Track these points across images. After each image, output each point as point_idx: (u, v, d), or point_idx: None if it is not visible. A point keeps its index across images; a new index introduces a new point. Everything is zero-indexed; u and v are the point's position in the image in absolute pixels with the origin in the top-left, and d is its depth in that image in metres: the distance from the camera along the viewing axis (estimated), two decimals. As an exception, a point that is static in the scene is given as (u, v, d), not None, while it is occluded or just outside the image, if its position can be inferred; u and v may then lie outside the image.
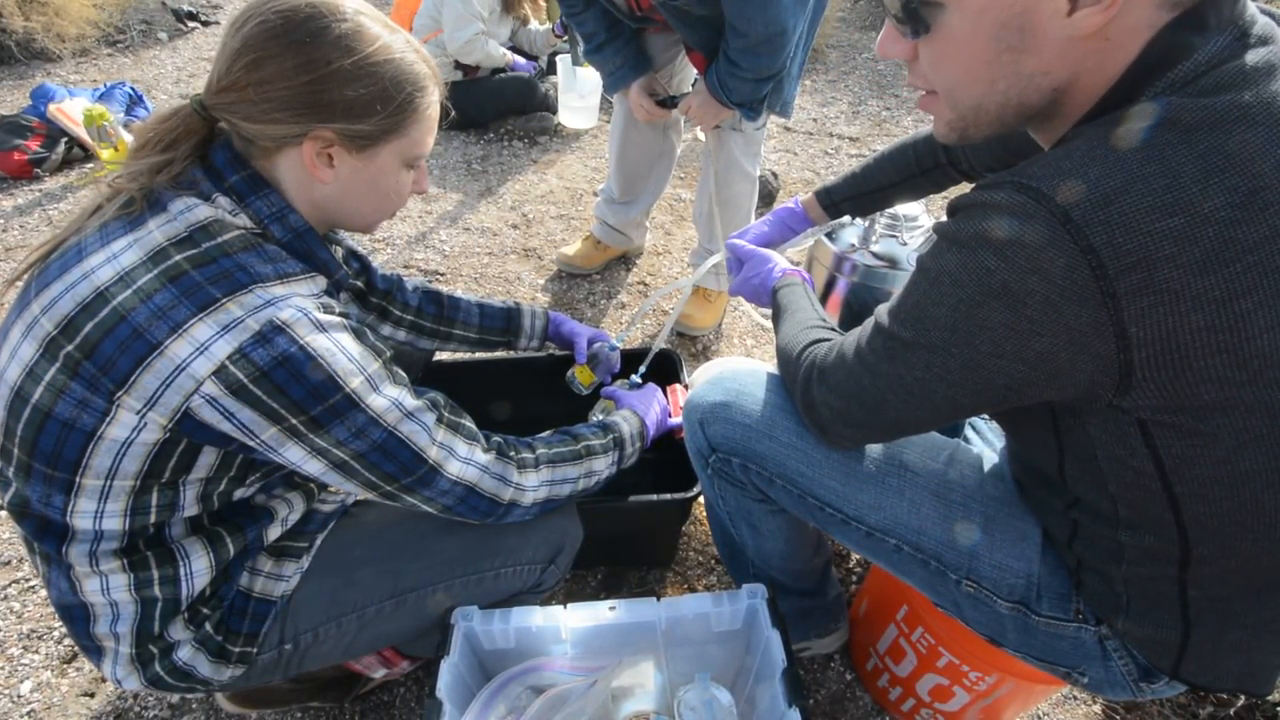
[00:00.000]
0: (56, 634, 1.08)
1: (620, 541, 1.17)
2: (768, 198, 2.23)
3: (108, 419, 0.60)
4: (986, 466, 0.75)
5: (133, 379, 0.59)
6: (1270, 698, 0.93)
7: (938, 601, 0.74)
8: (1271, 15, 0.49)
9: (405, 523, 0.85)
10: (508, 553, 0.85)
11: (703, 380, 0.86)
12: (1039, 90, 0.48)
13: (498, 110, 2.63)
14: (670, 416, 1.02)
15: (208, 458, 0.66)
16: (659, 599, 0.85)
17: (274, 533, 0.78)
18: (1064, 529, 0.65)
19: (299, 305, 0.62)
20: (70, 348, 0.59)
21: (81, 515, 0.64)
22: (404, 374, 0.71)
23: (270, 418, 0.61)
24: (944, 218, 0.52)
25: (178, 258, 0.61)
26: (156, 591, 0.70)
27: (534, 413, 1.22)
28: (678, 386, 1.13)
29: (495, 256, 2.04)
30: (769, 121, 1.57)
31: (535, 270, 1.99)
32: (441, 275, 1.95)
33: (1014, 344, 0.46)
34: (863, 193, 1.04)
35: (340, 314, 0.66)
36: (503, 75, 2.57)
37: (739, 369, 0.84)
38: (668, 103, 1.50)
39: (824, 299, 1.37)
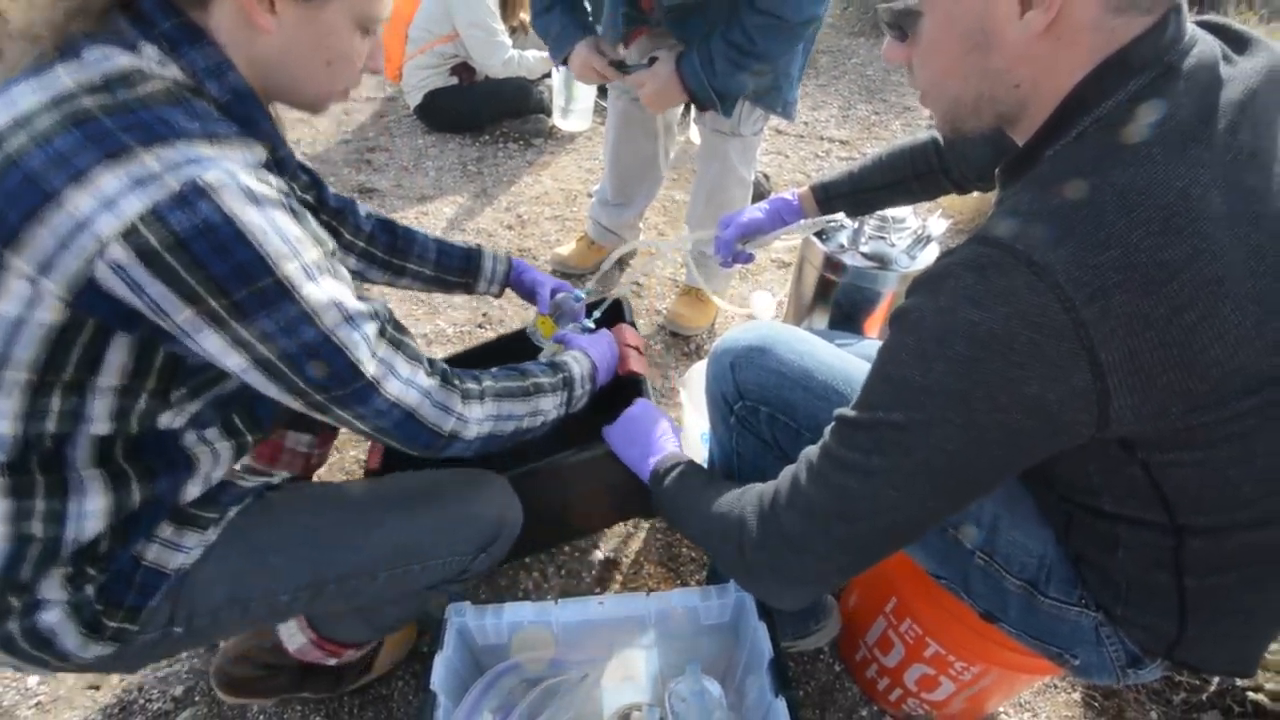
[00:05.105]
0: (60, 631, 1.10)
1: (600, 498, 1.10)
2: (759, 199, 2.25)
3: None
4: None
5: (22, 234, 0.50)
6: (1241, 682, 0.96)
7: (943, 574, 0.75)
8: (1228, 30, 0.52)
9: (331, 511, 0.79)
10: (440, 546, 0.80)
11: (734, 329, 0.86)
12: (1005, 86, 0.52)
13: (493, 113, 2.65)
14: (625, 361, 0.99)
15: (118, 354, 0.57)
16: (649, 594, 0.88)
17: (192, 491, 0.69)
18: (1060, 520, 0.67)
19: (228, 169, 0.54)
20: None
21: None
22: (346, 273, 0.64)
23: (186, 297, 0.53)
24: (906, 297, 0.53)
25: (87, 103, 0.52)
26: (36, 527, 0.60)
27: None
28: (624, 326, 1.09)
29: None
30: (764, 126, 1.57)
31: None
32: (438, 277, 1.97)
33: (1008, 394, 0.47)
34: (858, 190, 1.06)
35: (278, 189, 0.58)
36: (499, 79, 2.58)
37: (770, 323, 0.84)
38: (620, 66, 1.39)
39: (815, 299, 1.39)
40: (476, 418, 0.72)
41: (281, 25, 0.60)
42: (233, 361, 0.58)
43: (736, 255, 1.13)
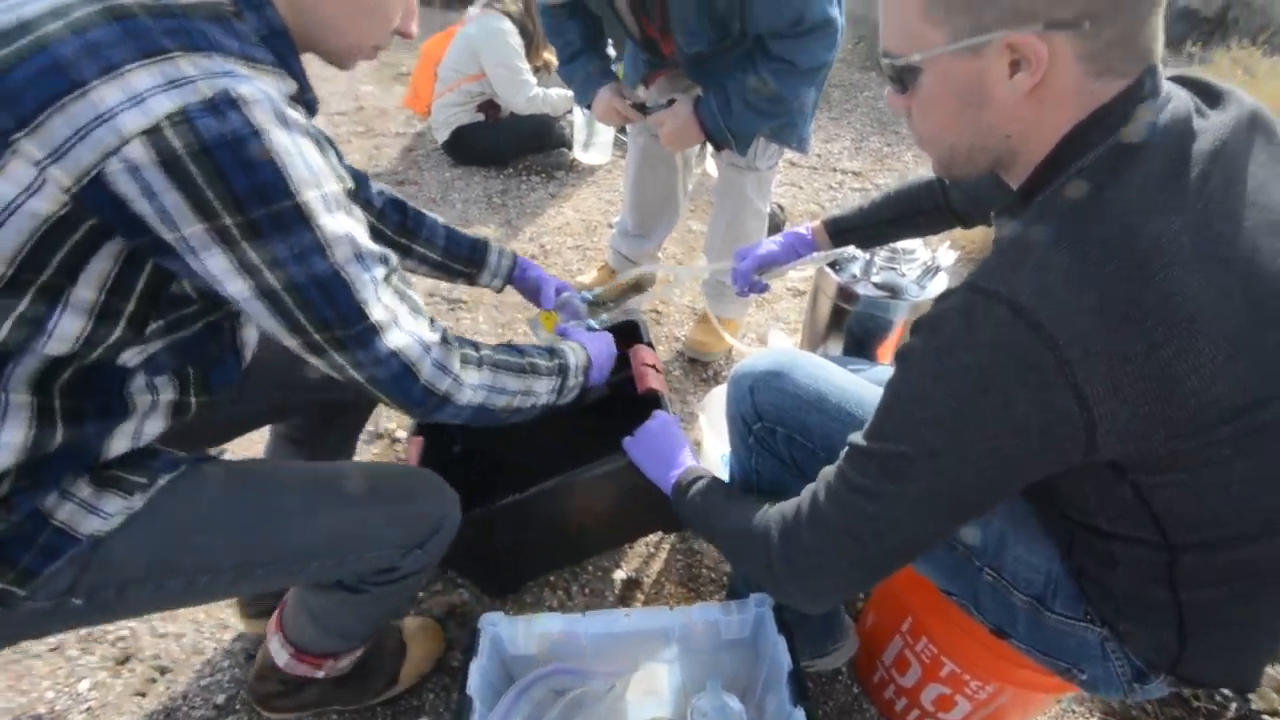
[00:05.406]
0: (111, 636, 1.15)
1: (622, 511, 1.12)
2: (774, 230, 2.32)
3: None
4: None
5: (39, 120, 0.48)
6: (1257, 706, 0.97)
7: (953, 590, 0.78)
8: (1203, 84, 0.57)
9: (269, 491, 0.75)
10: (374, 538, 0.78)
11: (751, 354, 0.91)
12: (996, 138, 0.57)
13: (517, 147, 2.76)
14: (643, 379, 1.00)
15: (103, 262, 0.54)
16: (672, 608, 0.91)
17: (116, 445, 0.64)
18: (1063, 538, 0.70)
19: (262, 88, 0.53)
20: None
21: None
22: (361, 214, 0.63)
23: (199, 209, 0.52)
24: (909, 336, 0.58)
25: (130, 1, 0.51)
26: None
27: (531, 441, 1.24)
28: (641, 346, 1.10)
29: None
30: (779, 160, 1.64)
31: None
32: (464, 302, 2.05)
33: (1002, 426, 0.51)
34: (868, 224, 1.12)
35: (306, 120, 0.57)
36: (523, 115, 2.70)
37: (787, 349, 0.89)
38: (640, 108, 1.48)
39: (829, 327, 1.44)
40: (472, 384, 0.72)
41: None
42: (235, 288, 0.56)
43: (753, 285, 1.19)
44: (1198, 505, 0.56)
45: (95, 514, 0.63)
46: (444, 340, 0.70)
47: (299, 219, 0.55)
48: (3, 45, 0.50)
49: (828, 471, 0.64)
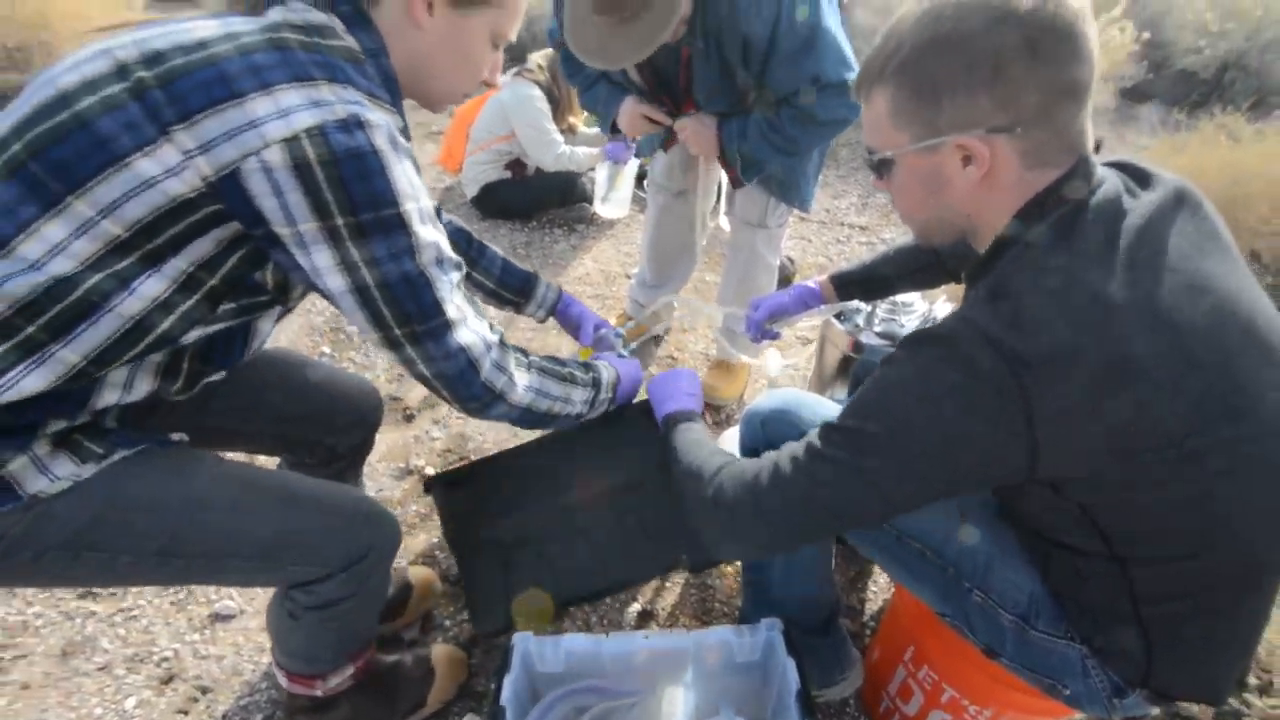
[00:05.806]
0: (156, 657, 1.22)
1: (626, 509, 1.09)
2: (785, 281, 2.44)
3: (147, 149, 0.58)
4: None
5: (198, 119, 0.58)
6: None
7: (947, 612, 0.84)
8: (1134, 168, 0.68)
9: (207, 486, 0.78)
10: (297, 553, 0.81)
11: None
12: (959, 215, 0.69)
13: (540, 202, 2.93)
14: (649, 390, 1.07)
15: (207, 244, 0.63)
16: (688, 630, 0.98)
17: (108, 397, 0.68)
18: (1040, 558, 0.77)
19: (383, 118, 0.65)
20: (145, 73, 0.58)
21: (38, 240, 0.58)
22: (443, 229, 0.73)
23: (317, 210, 0.61)
24: (896, 349, 0.67)
25: (289, 35, 0.63)
26: None
27: None
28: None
29: (537, 331, 2.25)
30: (788, 219, 1.76)
31: (573, 344, 2.19)
32: (489, 348, 2.16)
33: (962, 431, 0.61)
34: (870, 279, 1.23)
35: (408, 147, 0.69)
36: (546, 172, 2.88)
37: (795, 391, 0.99)
38: (669, 115, 1.53)
39: (836, 373, 1.54)
40: (523, 384, 0.81)
41: (434, 24, 0.72)
42: (334, 282, 0.65)
43: (765, 333, 1.29)
44: (1137, 522, 0.64)
45: (44, 474, 0.65)
46: (502, 342, 0.80)
47: (399, 224, 0.66)
48: (182, 55, 0.61)
49: (793, 446, 0.72)
